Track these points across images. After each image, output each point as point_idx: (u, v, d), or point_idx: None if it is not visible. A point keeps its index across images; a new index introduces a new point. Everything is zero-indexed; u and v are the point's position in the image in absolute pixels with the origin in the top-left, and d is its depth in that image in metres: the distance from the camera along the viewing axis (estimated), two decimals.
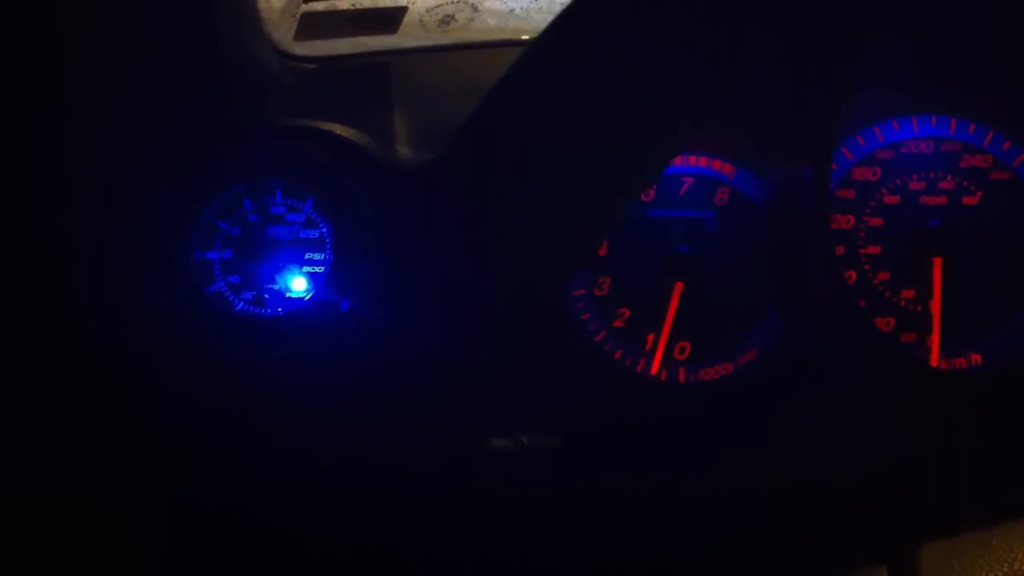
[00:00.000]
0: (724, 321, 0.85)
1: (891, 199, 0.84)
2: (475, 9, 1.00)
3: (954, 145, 0.84)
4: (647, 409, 0.86)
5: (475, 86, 0.76)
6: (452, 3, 1.01)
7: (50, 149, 0.76)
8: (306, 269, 0.81)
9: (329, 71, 0.91)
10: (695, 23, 0.66)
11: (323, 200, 0.80)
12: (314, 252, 0.81)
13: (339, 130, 0.81)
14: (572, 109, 0.67)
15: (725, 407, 0.84)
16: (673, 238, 0.86)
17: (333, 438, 0.81)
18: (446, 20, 1.00)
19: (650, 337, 0.86)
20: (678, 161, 0.86)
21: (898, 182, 0.84)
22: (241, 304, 0.81)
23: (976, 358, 0.82)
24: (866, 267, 0.84)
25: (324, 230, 0.80)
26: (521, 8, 1.00)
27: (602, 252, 0.86)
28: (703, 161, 0.87)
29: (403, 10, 1.01)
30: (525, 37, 0.94)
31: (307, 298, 0.79)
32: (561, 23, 0.65)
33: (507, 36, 0.96)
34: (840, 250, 0.84)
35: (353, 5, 1.03)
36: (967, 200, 0.83)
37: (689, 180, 0.87)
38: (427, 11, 1.01)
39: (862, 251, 0.84)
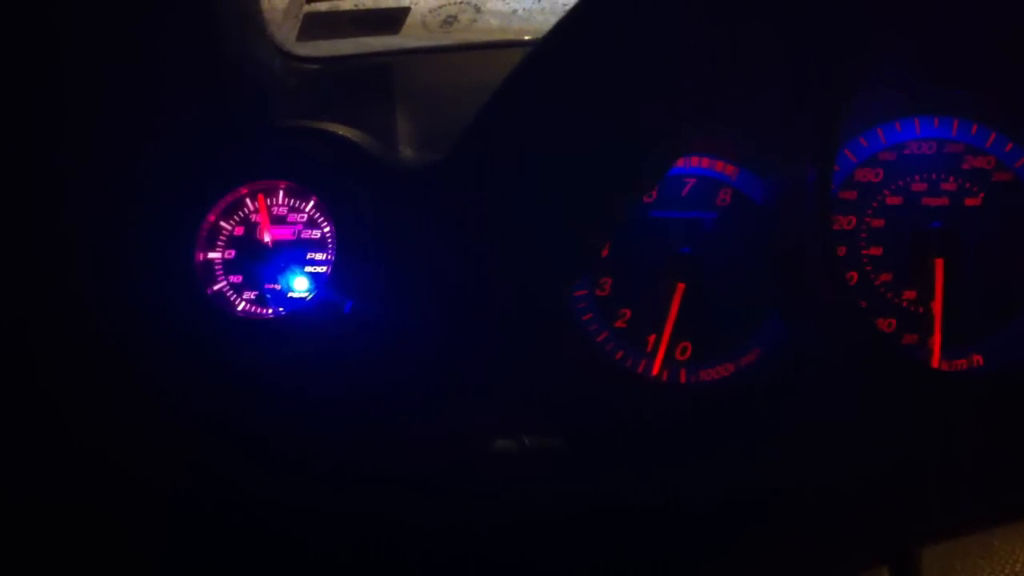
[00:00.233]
0: (726, 322, 0.85)
1: (893, 200, 0.84)
2: (478, 10, 1.00)
3: (956, 147, 0.84)
4: (648, 410, 0.85)
5: (477, 87, 0.76)
6: (455, 4, 1.01)
7: (52, 150, 0.76)
8: (308, 269, 0.81)
9: (332, 72, 0.92)
10: (698, 24, 0.66)
11: (325, 201, 0.80)
12: (316, 252, 0.81)
13: (341, 131, 0.81)
14: (576, 111, 0.67)
15: (726, 408, 0.84)
16: (675, 239, 0.86)
17: (334, 438, 0.81)
18: (449, 21, 1.00)
19: (651, 338, 0.86)
20: (680, 162, 0.86)
21: (900, 183, 0.84)
22: (243, 304, 0.81)
23: (978, 359, 0.82)
24: (868, 268, 0.84)
25: (326, 231, 0.81)
26: (524, 9, 1.00)
27: (604, 253, 0.86)
28: (705, 162, 0.87)
29: (406, 11, 1.01)
30: (527, 38, 0.94)
31: (309, 298, 0.79)
32: (565, 26, 0.65)
33: (509, 37, 0.96)
34: (842, 251, 0.84)
35: (356, 6, 1.03)
36: (969, 201, 0.83)
37: (691, 181, 0.87)
38: (430, 12, 1.01)
39: (864, 252, 0.84)
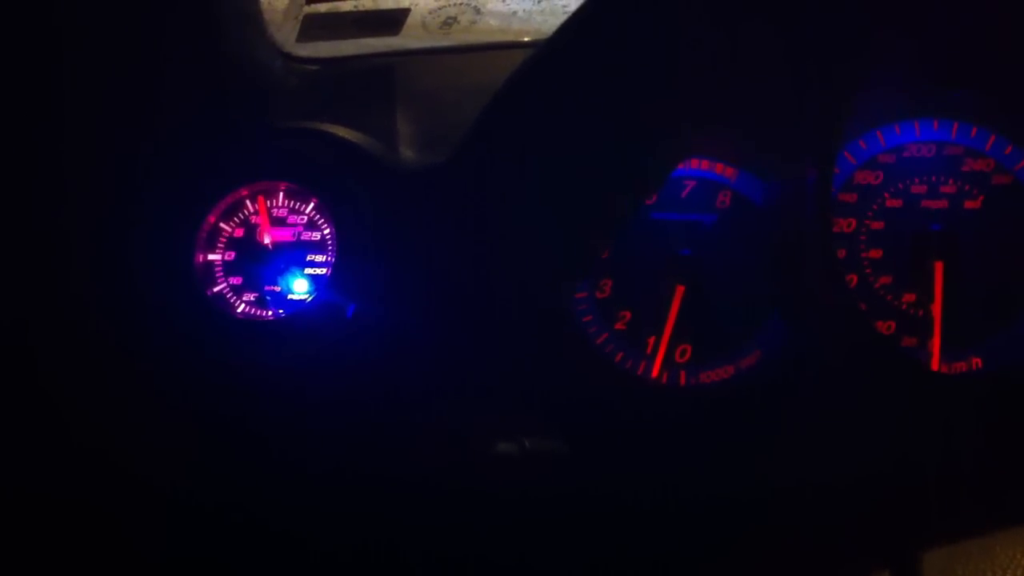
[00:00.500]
0: (725, 324, 0.85)
1: (893, 203, 0.84)
2: (477, 11, 1.00)
3: (956, 149, 0.84)
4: (648, 412, 0.85)
5: (478, 88, 0.76)
6: (454, 5, 1.01)
7: (52, 150, 0.76)
8: (308, 271, 0.81)
9: (331, 73, 0.91)
10: (699, 25, 0.66)
11: (325, 202, 0.80)
12: (316, 254, 0.81)
13: (342, 132, 0.81)
14: (577, 112, 0.67)
15: (726, 410, 0.84)
16: (675, 241, 0.86)
17: (334, 440, 0.81)
18: (448, 22, 1.00)
19: (651, 340, 0.86)
20: (680, 164, 0.86)
21: (900, 186, 0.84)
22: (243, 306, 0.81)
23: (977, 362, 0.82)
24: (867, 271, 0.84)
25: (326, 232, 0.80)
26: (523, 10, 1.00)
27: (604, 255, 0.86)
28: (705, 164, 0.87)
29: (406, 12, 1.01)
30: (527, 39, 0.94)
31: (309, 300, 0.79)
32: (567, 28, 0.65)
33: (509, 38, 0.96)
34: (842, 253, 0.84)
35: (356, 7, 1.03)
36: (969, 204, 0.83)
37: (691, 183, 0.87)
38: (430, 13, 1.01)
39: (864, 255, 0.84)
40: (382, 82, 0.89)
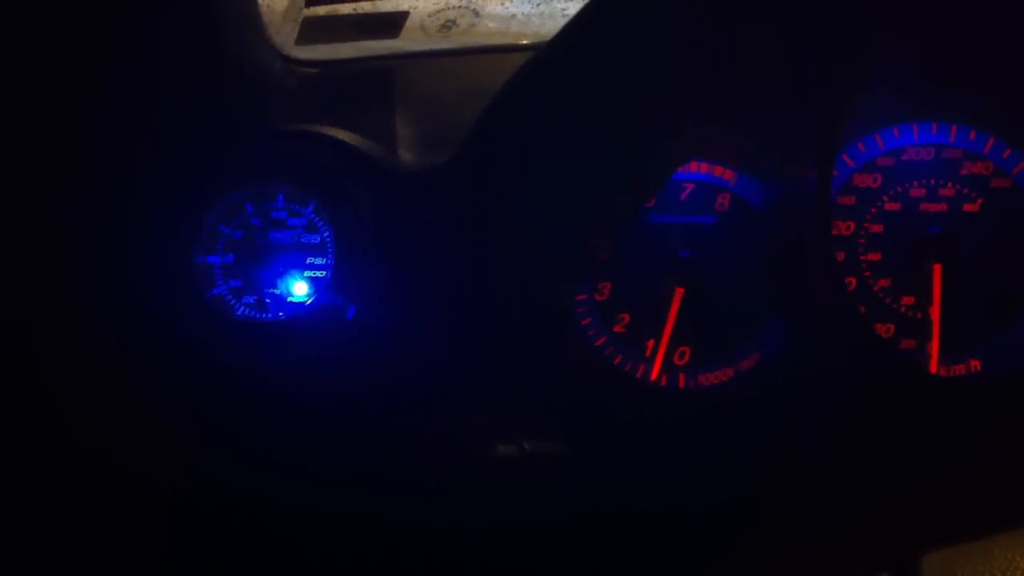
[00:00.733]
0: (725, 326, 0.85)
1: (892, 206, 0.84)
2: (476, 14, 1.01)
3: (955, 152, 0.84)
4: (647, 414, 0.85)
5: (477, 90, 0.77)
6: (453, 8, 1.01)
7: (52, 152, 0.76)
8: (307, 274, 0.81)
9: (331, 75, 0.91)
10: (699, 27, 0.66)
11: (325, 204, 0.80)
12: (316, 257, 0.81)
13: (341, 134, 0.81)
14: (577, 114, 0.67)
15: (725, 412, 0.84)
16: (674, 244, 0.86)
17: (333, 441, 0.81)
18: (448, 25, 1.00)
19: (650, 342, 0.86)
20: (680, 167, 0.86)
21: (899, 189, 0.84)
22: (242, 308, 0.81)
23: (976, 364, 0.82)
24: (866, 273, 0.84)
25: (326, 235, 0.80)
26: (522, 13, 1.00)
27: (603, 257, 0.86)
28: (704, 167, 0.87)
29: (405, 15, 1.01)
30: (525, 42, 0.94)
31: (308, 303, 0.79)
32: (568, 30, 0.65)
33: (508, 41, 0.96)
34: (841, 256, 0.84)
35: (355, 10, 1.03)
36: (967, 207, 0.83)
37: (690, 186, 0.87)
38: (429, 16, 1.01)
39: (862, 257, 0.84)
40: (381, 84, 0.89)
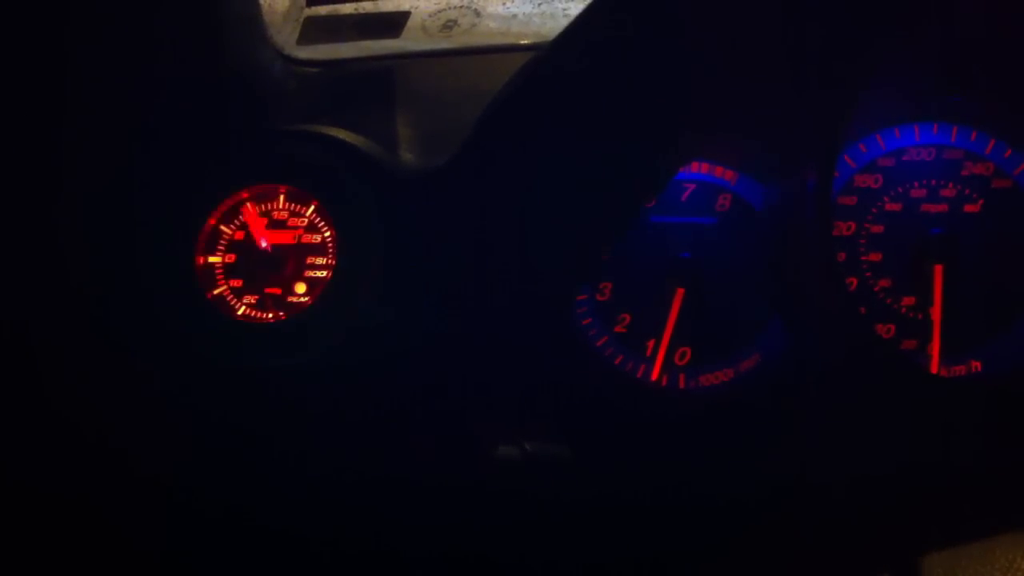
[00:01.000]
0: (725, 327, 0.85)
1: (892, 206, 0.84)
2: (477, 14, 1.00)
3: (956, 153, 0.84)
4: (647, 414, 0.86)
5: (478, 91, 0.77)
6: (454, 8, 1.01)
7: (54, 153, 0.76)
8: (308, 274, 0.81)
9: (332, 75, 0.91)
10: (700, 29, 0.66)
11: (326, 205, 0.80)
12: (316, 257, 0.81)
13: (342, 135, 0.81)
14: (579, 116, 0.67)
15: (725, 413, 0.84)
16: (675, 244, 0.86)
17: (334, 442, 0.81)
18: (449, 25, 1.00)
19: (651, 343, 0.86)
20: (681, 168, 0.86)
21: (899, 189, 0.84)
22: (244, 308, 0.81)
23: (976, 365, 0.82)
24: (867, 274, 0.84)
25: (326, 235, 0.80)
26: (523, 13, 1.00)
27: (604, 257, 0.86)
28: (704, 167, 0.87)
29: (406, 15, 1.01)
30: (526, 42, 0.94)
31: (309, 303, 0.79)
32: (570, 31, 0.65)
33: (509, 41, 0.96)
34: (841, 257, 0.84)
35: (356, 10, 1.03)
36: (968, 208, 0.83)
37: (691, 186, 0.87)
38: (430, 16, 1.01)
39: (863, 258, 0.84)
40: (382, 85, 0.89)
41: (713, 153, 0.86)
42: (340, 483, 0.80)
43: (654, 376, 0.85)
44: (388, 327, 0.77)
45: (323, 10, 1.03)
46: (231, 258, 0.82)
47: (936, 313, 0.80)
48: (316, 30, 1.00)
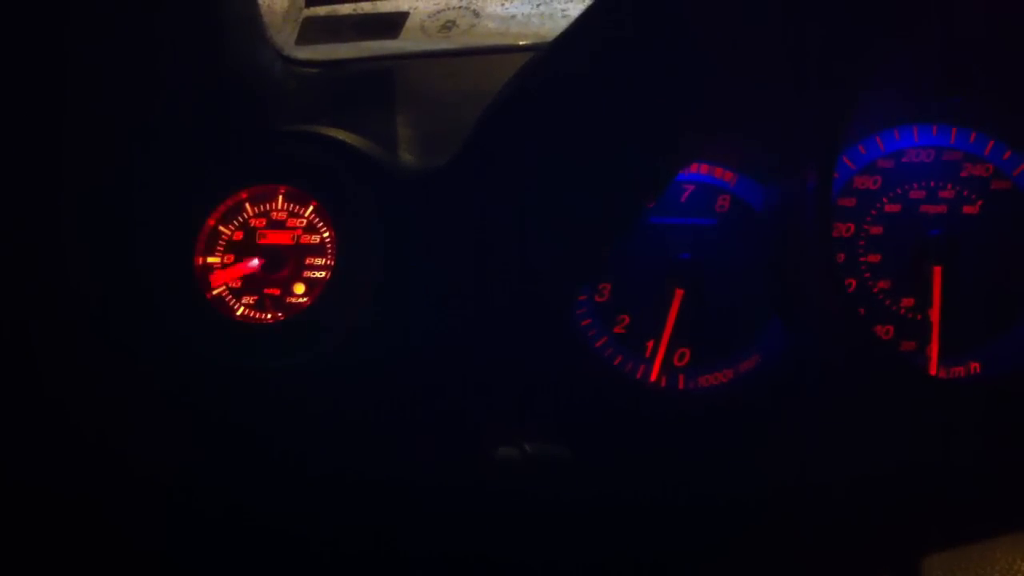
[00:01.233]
0: (725, 328, 0.85)
1: (892, 208, 0.84)
2: (476, 15, 1.00)
3: (955, 154, 0.84)
4: (646, 415, 0.86)
5: (477, 91, 0.77)
6: (453, 9, 1.01)
7: (54, 153, 0.76)
8: (307, 275, 0.81)
9: (331, 76, 0.91)
10: (701, 31, 0.66)
11: (325, 205, 0.80)
12: (315, 258, 0.81)
13: (341, 135, 0.81)
14: (579, 116, 0.67)
15: (724, 414, 0.84)
16: (674, 245, 0.86)
17: (333, 442, 0.81)
18: (448, 25, 1.00)
19: (650, 343, 0.86)
20: (681, 169, 0.86)
21: (899, 191, 0.84)
22: (242, 309, 0.81)
23: (975, 367, 0.83)
24: (866, 275, 0.84)
25: (325, 236, 0.80)
26: (522, 14, 1.00)
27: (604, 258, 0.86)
28: (704, 168, 0.87)
29: (405, 15, 1.01)
30: (525, 43, 0.94)
31: (308, 304, 0.79)
32: (570, 32, 0.65)
33: (508, 42, 0.96)
34: (841, 258, 0.84)
35: (355, 10, 1.03)
36: (967, 209, 0.83)
37: (691, 187, 0.87)
38: (429, 16, 1.01)
39: (862, 259, 0.84)
40: (381, 85, 0.89)
41: (713, 154, 0.86)
42: (340, 483, 0.80)
43: (653, 377, 0.85)
44: (387, 327, 0.76)
45: (322, 10, 1.03)
46: (230, 259, 0.82)
47: (935, 314, 0.80)
48: (315, 30, 1.00)
